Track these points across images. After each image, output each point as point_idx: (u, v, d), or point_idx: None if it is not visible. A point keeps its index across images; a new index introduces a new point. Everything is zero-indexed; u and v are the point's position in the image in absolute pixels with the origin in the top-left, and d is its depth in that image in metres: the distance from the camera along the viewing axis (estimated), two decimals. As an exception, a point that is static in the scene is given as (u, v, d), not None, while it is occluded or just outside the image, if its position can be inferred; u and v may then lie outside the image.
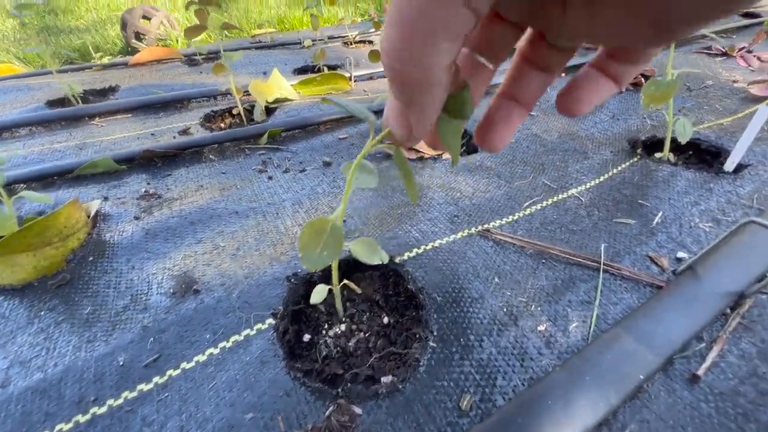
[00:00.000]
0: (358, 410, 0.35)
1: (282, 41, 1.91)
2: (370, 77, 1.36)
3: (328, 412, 0.34)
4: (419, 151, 0.80)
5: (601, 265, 0.49)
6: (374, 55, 0.95)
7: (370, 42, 1.84)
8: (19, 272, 0.51)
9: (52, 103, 1.11)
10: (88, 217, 0.60)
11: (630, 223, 0.57)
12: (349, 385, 0.37)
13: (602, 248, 0.52)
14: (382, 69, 0.17)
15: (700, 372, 0.37)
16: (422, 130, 0.17)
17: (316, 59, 1.37)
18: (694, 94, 1.09)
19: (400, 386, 0.36)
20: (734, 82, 1.16)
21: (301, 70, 1.47)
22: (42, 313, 0.46)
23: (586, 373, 0.36)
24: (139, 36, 2.15)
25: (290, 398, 0.35)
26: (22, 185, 0.72)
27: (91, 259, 0.53)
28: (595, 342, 0.39)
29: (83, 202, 0.65)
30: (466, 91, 0.18)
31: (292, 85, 1.16)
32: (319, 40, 1.86)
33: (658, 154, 0.75)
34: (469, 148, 0.85)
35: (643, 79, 1.12)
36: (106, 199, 0.67)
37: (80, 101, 1.10)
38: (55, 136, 0.92)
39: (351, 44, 1.83)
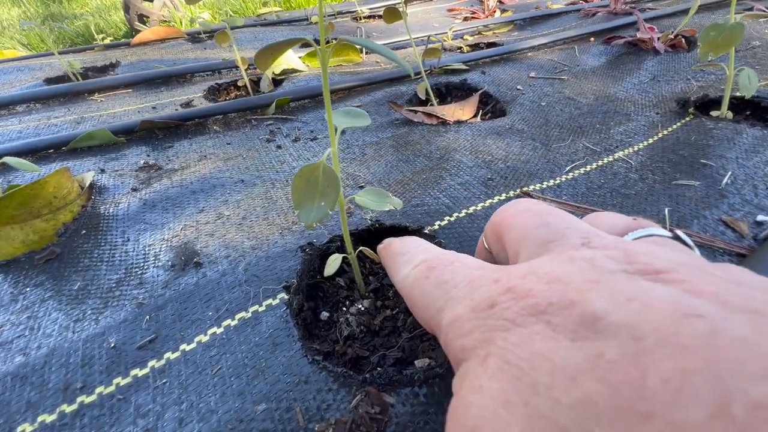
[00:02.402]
0: (390, 399, 0.29)
1: (288, 18, 1.83)
2: (382, 49, 1.27)
3: (354, 402, 0.28)
4: (440, 118, 0.72)
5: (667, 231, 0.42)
6: (389, 16, 0.87)
7: (380, 17, 1.75)
8: (5, 247, 0.46)
9: (50, 81, 1.07)
10: (82, 189, 0.55)
11: (694, 185, 0.49)
12: (378, 369, 0.31)
13: (666, 212, 0.45)
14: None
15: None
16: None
17: (325, 32, 1.29)
18: (741, 55, 0.98)
19: (439, 369, 0.30)
20: (785, 40, 1.05)
21: (309, 44, 1.39)
22: (27, 289, 0.40)
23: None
24: (142, 18, 2.09)
25: (309, 385, 0.29)
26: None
27: (83, 232, 0.48)
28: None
29: (78, 173, 0.60)
30: None
31: (299, 57, 1.09)
32: (329, 15, 1.78)
33: (714, 113, 0.66)
34: (495, 112, 0.78)
35: (683, 39, 1.02)
36: (102, 171, 0.62)
37: (79, 78, 1.05)
38: (52, 111, 0.87)
39: (360, 19, 1.74)
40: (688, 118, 0.66)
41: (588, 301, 0.13)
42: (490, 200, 0.47)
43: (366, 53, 1.18)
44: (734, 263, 0.39)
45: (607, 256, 0.15)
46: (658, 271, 0.14)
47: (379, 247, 0.29)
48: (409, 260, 0.22)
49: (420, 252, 0.22)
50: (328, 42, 1.36)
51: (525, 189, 0.50)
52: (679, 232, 0.19)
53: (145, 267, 0.41)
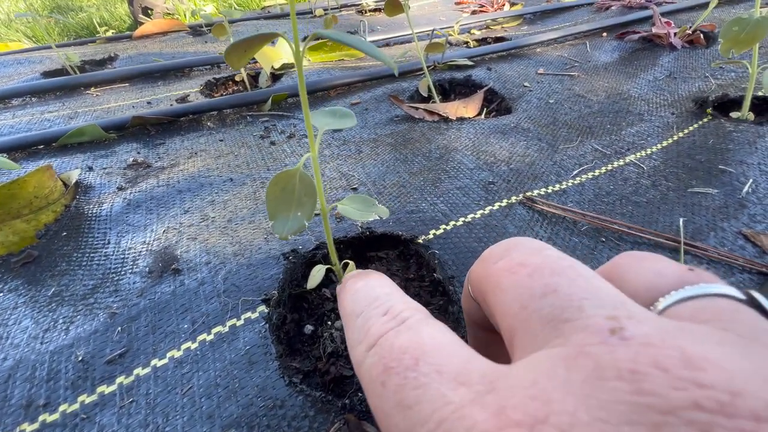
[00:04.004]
0: (371, 429, 0.26)
1: (292, 11, 1.79)
2: (386, 44, 1.24)
3: (332, 431, 0.26)
4: (441, 115, 0.69)
5: (682, 245, 0.39)
6: (390, 8, 0.83)
7: (386, 9, 1.71)
8: (-17, 248, 0.44)
9: (48, 74, 1.05)
10: (67, 187, 0.53)
11: (711, 193, 0.46)
12: (359, 394, 0.28)
13: (680, 223, 0.41)
14: None
15: None
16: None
17: (327, 25, 1.26)
18: (763, 52, 0.93)
19: (427, 397, 0.27)
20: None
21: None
22: (0, 295, 0.39)
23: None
24: (146, 11, 2.07)
25: (284, 410, 0.27)
26: (4, 155, 0.65)
27: (64, 234, 0.46)
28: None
29: (65, 171, 0.58)
30: None
31: (300, 51, 1.06)
32: (332, 8, 1.74)
33: (734, 114, 0.62)
34: (500, 110, 0.74)
35: (701, 34, 0.97)
36: (91, 169, 0.60)
37: (77, 71, 1.04)
38: (47, 105, 0.86)
39: (365, 12, 1.71)
40: (705, 119, 0.62)
41: None
42: (489, 207, 0.44)
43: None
44: (755, 283, 0.36)
45: (660, 367, 0.09)
46: (757, 416, 0.08)
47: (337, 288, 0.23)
48: (361, 331, 0.16)
49: (375, 314, 0.16)
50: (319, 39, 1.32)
51: (528, 194, 0.47)
52: (756, 294, 0.13)
53: (122, 273, 0.39)
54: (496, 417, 0.10)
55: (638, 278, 0.14)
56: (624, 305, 0.12)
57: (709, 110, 0.64)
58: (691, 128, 0.60)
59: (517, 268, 0.14)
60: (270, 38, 0.23)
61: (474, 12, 1.57)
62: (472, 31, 1.29)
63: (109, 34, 1.69)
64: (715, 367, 0.09)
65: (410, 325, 0.15)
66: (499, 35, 1.20)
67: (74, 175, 0.55)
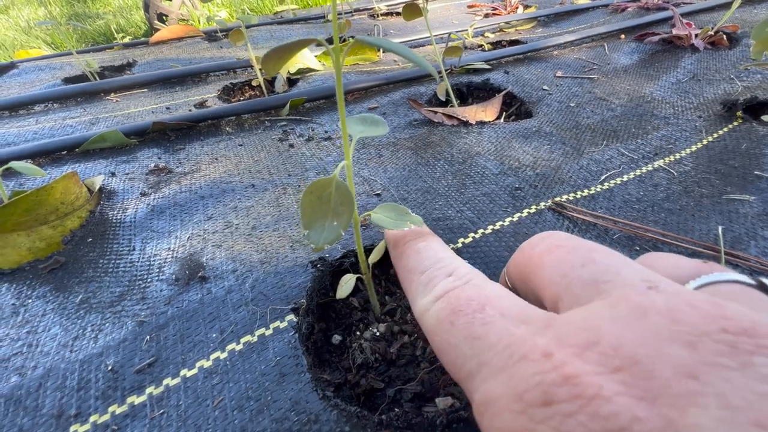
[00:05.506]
0: (409, 446, 0.25)
1: (305, 16, 1.81)
2: (400, 47, 1.24)
3: (368, 448, 0.25)
4: (460, 119, 0.68)
5: (722, 254, 0.37)
6: (408, 12, 0.83)
7: (398, 14, 1.71)
8: (11, 254, 0.45)
9: (69, 80, 1.07)
10: (91, 193, 0.54)
11: (748, 200, 0.44)
12: (395, 409, 0.27)
13: (719, 231, 0.40)
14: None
15: None
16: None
17: (341, 30, 1.26)
18: (789, 52, 0.91)
19: (464, 413, 0.27)
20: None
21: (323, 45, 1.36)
22: (29, 301, 0.39)
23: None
24: (162, 17, 2.10)
25: (318, 425, 0.26)
26: (28, 161, 0.66)
27: (90, 240, 0.46)
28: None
29: (89, 177, 0.58)
30: None
31: (315, 56, 1.06)
32: (346, 13, 1.75)
33: (765, 117, 0.60)
34: (520, 114, 0.73)
35: (724, 36, 0.95)
36: (113, 174, 0.60)
37: (97, 77, 1.05)
38: (68, 111, 0.87)
39: (378, 16, 1.71)
40: (735, 123, 0.60)
41: (697, 427, 0.09)
42: (518, 214, 0.43)
43: (383, 52, 1.14)
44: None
45: (692, 306, 0.11)
46: None
47: (388, 241, 0.26)
48: (427, 286, 0.19)
49: (441, 274, 0.19)
50: (344, 41, 1.33)
51: (557, 199, 0.45)
52: (766, 281, 0.15)
53: (149, 280, 0.39)
54: (556, 341, 0.12)
55: (660, 271, 0.16)
56: (655, 275, 0.14)
57: (739, 113, 0.62)
58: (721, 132, 0.59)
59: (555, 249, 0.16)
60: (307, 44, 0.23)
61: (487, 15, 1.56)
62: (486, 34, 1.29)
63: (126, 40, 1.72)
64: (735, 309, 0.11)
65: (475, 283, 0.17)
66: (513, 38, 1.18)
67: (98, 181, 0.56)
